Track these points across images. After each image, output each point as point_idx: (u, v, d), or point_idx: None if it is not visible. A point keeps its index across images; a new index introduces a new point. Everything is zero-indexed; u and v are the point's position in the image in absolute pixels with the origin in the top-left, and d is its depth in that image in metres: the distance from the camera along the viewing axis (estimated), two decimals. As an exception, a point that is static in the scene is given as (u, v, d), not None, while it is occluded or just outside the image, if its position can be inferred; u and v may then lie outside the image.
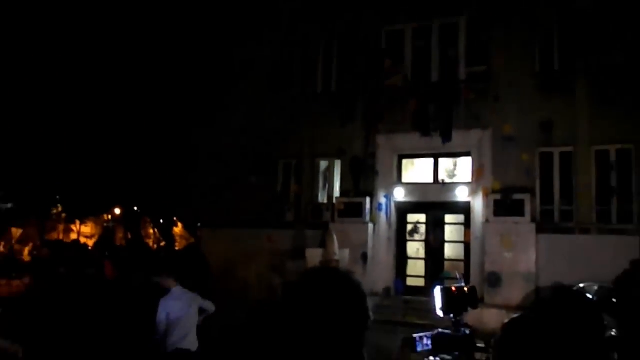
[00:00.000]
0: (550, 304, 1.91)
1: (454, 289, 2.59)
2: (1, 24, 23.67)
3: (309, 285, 1.41)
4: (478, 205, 14.24)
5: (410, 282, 15.02)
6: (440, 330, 2.45)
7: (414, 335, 2.38)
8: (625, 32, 12.66)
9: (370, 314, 1.42)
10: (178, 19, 19.98)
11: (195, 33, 19.39)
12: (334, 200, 15.87)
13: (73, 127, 25.60)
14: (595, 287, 9.76)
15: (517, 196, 13.44)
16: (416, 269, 15.32)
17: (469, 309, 2.59)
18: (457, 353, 2.35)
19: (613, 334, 8.39)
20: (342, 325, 1.35)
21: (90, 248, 20.56)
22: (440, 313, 2.54)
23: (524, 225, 13.33)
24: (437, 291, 2.56)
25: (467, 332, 2.46)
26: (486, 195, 13.92)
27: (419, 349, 2.36)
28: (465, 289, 2.62)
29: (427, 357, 2.09)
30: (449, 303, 2.52)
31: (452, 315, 2.51)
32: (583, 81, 13.06)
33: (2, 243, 27.58)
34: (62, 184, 28.52)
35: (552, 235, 13.14)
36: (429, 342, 2.38)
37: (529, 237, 13.25)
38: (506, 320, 1.74)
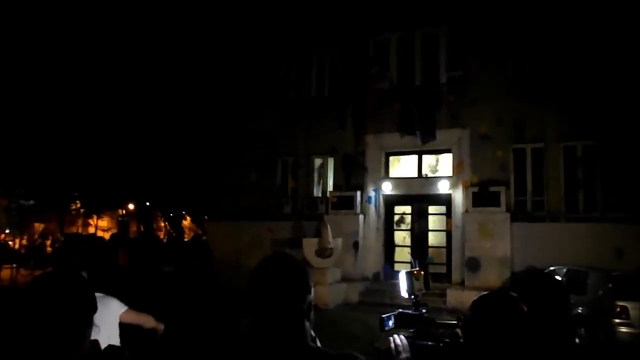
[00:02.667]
0: (522, 284, 1.94)
1: (415, 272, 2.60)
2: (28, 28, 23.45)
3: (259, 267, 1.50)
4: (458, 197, 14.29)
5: (397, 267, 15.02)
6: (401, 310, 2.48)
7: (383, 316, 2.41)
8: (588, 43, 12.71)
9: (311, 289, 1.49)
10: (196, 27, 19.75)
11: (198, 49, 19.36)
12: (328, 194, 15.88)
13: (90, 129, 25.47)
14: (564, 270, 9.82)
15: (493, 188, 13.48)
16: (402, 255, 15.36)
17: (424, 290, 2.62)
18: (412, 330, 2.40)
19: (580, 311, 8.48)
20: (283, 294, 1.43)
21: (106, 240, 20.53)
22: (405, 294, 2.56)
23: (500, 215, 13.38)
24: (402, 275, 2.58)
25: (424, 310, 2.48)
26: (465, 188, 13.96)
27: (387, 327, 2.40)
28: (422, 272, 2.65)
29: (392, 334, 2.16)
30: (412, 285, 2.55)
31: (413, 297, 2.53)
32: (551, 84, 13.09)
33: (26, 237, 27.49)
34: (80, 181, 28.40)
35: (525, 224, 13.18)
36: (393, 320, 2.44)
37: (504, 226, 13.29)
38: (475, 298, 1.77)
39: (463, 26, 14.30)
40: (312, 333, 1.53)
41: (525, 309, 1.66)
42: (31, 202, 30.47)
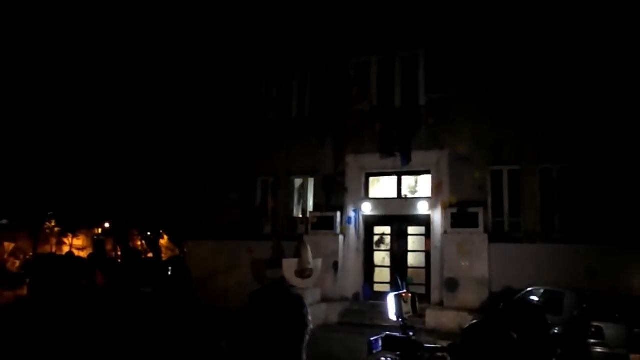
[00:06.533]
0: (502, 313, 2.02)
1: (403, 295, 2.62)
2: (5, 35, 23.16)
3: (257, 297, 1.53)
4: (437, 217, 14.45)
5: (377, 287, 15.08)
6: (387, 332, 2.49)
7: (371, 339, 2.42)
8: (564, 67, 13.11)
9: (308, 321, 1.52)
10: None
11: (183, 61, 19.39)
12: (308, 214, 15.90)
13: (67, 145, 25.11)
14: (541, 291, 9.98)
15: (471, 209, 13.66)
16: (382, 275, 15.41)
17: (412, 312, 2.65)
18: (399, 353, 2.40)
19: (556, 331, 8.63)
20: (281, 327, 1.46)
21: (83, 259, 20.12)
22: (393, 317, 2.58)
23: (478, 236, 13.54)
24: (391, 297, 2.60)
25: (411, 333, 2.49)
26: (444, 209, 14.13)
27: (375, 350, 2.41)
28: (410, 295, 2.67)
29: (379, 357, 2.18)
30: (400, 308, 2.57)
31: (401, 319, 2.55)
32: (528, 107, 13.42)
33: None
34: (54, 198, 27.88)
35: (503, 244, 13.34)
36: (380, 343, 2.44)
37: (482, 246, 13.46)
38: (465, 326, 1.83)
39: (442, 49, 14.63)
40: None
41: (515, 337, 1.72)
42: (4, 221, 29.75)
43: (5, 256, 26.49)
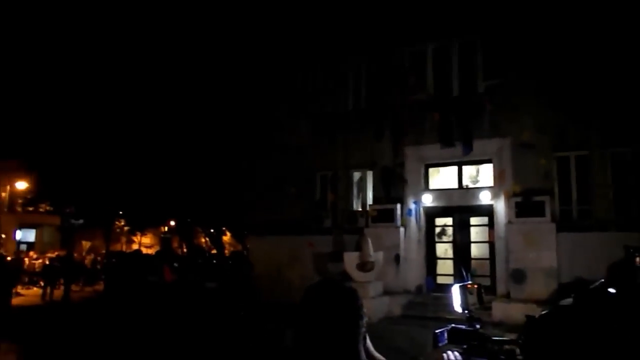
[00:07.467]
0: (575, 305, 1.96)
1: (469, 286, 2.57)
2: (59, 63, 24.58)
3: (311, 292, 1.56)
4: (500, 207, 14.11)
5: (440, 280, 14.93)
6: (453, 325, 2.44)
7: (436, 331, 2.37)
8: (634, 45, 12.42)
9: (363, 313, 1.55)
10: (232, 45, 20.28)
11: (237, 65, 19.83)
12: (367, 207, 15.94)
13: (133, 152, 26.39)
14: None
15: (536, 198, 13.25)
16: (445, 267, 15.24)
17: (478, 304, 2.57)
18: (465, 346, 2.35)
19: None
20: (335, 321, 1.49)
21: (151, 256, 21.09)
22: (458, 309, 2.53)
23: (545, 225, 13.12)
24: (456, 289, 2.55)
25: (478, 326, 2.42)
26: (508, 198, 13.78)
27: (441, 343, 2.37)
28: (475, 286, 2.61)
29: (445, 351, 2.15)
30: (465, 300, 2.51)
31: (467, 311, 2.49)
32: (594, 89, 12.81)
33: (75, 255, 28.51)
34: (124, 199, 29.40)
35: (572, 234, 12.85)
36: (446, 336, 2.40)
37: (549, 236, 13.03)
38: (529, 314, 1.78)
39: (500, 34, 14.21)
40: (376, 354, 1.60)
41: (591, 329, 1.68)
42: (80, 221, 31.81)
43: (83, 254, 28.17)
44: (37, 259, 24.33)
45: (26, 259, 23.57)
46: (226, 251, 32.60)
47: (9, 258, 18.53)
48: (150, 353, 9.04)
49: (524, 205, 13.34)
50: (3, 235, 28.86)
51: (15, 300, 16.62)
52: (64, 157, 25.92)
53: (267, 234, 16.99)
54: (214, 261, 24.02)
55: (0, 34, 24.44)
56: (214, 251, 32.00)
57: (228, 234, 35.53)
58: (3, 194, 29.82)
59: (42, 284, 19.63)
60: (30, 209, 33.11)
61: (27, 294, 19.68)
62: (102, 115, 26.33)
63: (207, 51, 23.65)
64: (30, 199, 32.39)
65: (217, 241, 33.93)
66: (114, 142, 26.28)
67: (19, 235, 31.27)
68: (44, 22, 26.07)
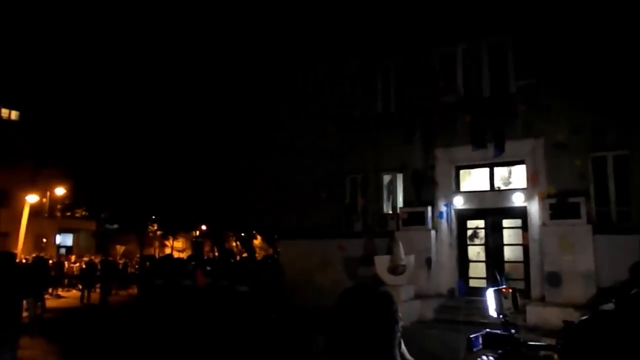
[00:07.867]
0: (618, 310, 1.91)
1: (503, 290, 2.54)
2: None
3: (346, 297, 1.56)
4: (534, 209, 13.87)
5: (472, 283, 14.75)
6: (488, 330, 2.41)
7: (471, 336, 2.35)
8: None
9: (399, 317, 1.54)
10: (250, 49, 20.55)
11: (262, 68, 20.04)
12: (398, 210, 15.87)
13: (167, 159, 26.96)
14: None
15: (572, 199, 12.96)
16: (477, 271, 15.04)
17: (513, 309, 2.53)
18: (501, 351, 2.32)
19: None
20: (371, 327, 1.49)
21: (184, 260, 21.40)
22: (493, 313, 2.49)
23: (581, 227, 12.82)
24: (490, 293, 2.52)
25: (513, 331, 2.39)
26: (542, 200, 13.53)
27: (476, 348, 2.35)
28: (510, 290, 2.58)
29: (480, 356, 2.13)
30: (500, 304, 2.48)
31: (502, 316, 2.46)
32: (632, 86, 12.48)
33: (110, 258, 29.28)
34: (157, 205, 30.02)
35: (610, 236, 12.48)
36: (481, 341, 2.37)
37: (586, 238, 12.73)
38: (567, 319, 1.75)
39: (531, 32, 13.98)
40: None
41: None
42: (115, 226, 32.68)
43: (118, 258, 28.88)
44: (75, 262, 25.07)
45: (66, 263, 24.32)
46: (257, 255, 32.88)
47: (50, 262, 19.16)
48: (184, 355, 9.23)
49: (559, 207, 13.08)
50: (44, 240, 29.87)
51: (56, 302, 17.16)
52: (99, 164, 26.68)
53: (297, 237, 17.09)
54: (246, 264, 24.24)
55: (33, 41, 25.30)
56: (245, 255, 32.32)
57: (259, 237, 35.86)
58: (44, 200, 30.86)
59: (80, 287, 20.21)
60: (68, 214, 34.21)
61: (68, 296, 20.33)
62: (135, 123, 27.01)
63: (239, 58, 23.96)
64: (68, 204, 33.48)
65: (248, 245, 34.27)
66: (147, 149, 26.90)
67: (58, 239, 32.34)
68: (69, 30, 26.88)
